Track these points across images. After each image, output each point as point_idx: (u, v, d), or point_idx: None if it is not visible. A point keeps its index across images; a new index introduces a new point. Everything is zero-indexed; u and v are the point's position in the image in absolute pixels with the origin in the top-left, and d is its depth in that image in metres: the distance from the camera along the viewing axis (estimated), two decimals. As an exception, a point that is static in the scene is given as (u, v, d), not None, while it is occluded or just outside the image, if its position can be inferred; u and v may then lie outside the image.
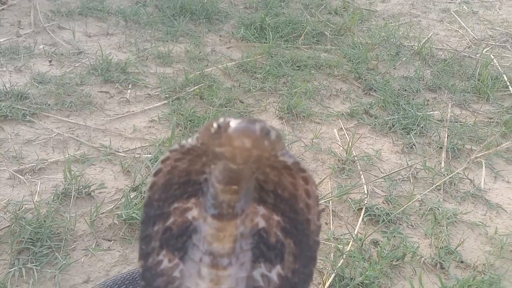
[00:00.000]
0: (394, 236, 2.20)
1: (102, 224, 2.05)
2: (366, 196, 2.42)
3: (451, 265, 2.10)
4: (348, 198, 2.40)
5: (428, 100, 3.41)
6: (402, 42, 4.21)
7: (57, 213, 2.04)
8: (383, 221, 2.27)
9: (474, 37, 4.56)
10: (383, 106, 3.25)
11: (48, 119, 2.68)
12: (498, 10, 5.32)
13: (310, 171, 0.75)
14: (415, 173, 2.66)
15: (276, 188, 0.79)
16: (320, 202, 2.10)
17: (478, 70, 3.78)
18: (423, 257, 2.12)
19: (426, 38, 4.29)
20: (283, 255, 0.80)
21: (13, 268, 1.77)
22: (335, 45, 4.03)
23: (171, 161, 0.80)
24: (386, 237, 2.19)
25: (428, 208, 2.40)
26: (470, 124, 3.14)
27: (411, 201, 2.38)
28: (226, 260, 0.78)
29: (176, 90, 3.08)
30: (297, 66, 3.58)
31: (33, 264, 1.80)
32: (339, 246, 2.09)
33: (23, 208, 2.03)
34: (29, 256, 1.84)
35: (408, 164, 2.70)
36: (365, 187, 2.48)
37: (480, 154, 2.55)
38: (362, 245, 2.11)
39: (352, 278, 1.93)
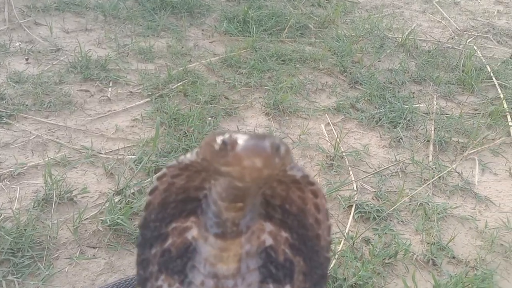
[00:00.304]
0: (385, 233, 2.18)
1: (86, 230, 1.97)
2: (355, 193, 2.39)
3: (443, 261, 2.09)
4: (338, 195, 2.36)
5: (413, 93, 3.39)
6: (386, 34, 4.18)
7: (38, 221, 1.95)
8: (374, 218, 2.24)
9: (456, 28, 4.57)
10: (369, 100, 3.22)
11: (26, 120, 2.56)
12: (478, 1, 5.34)
13: (319, 184, 0.70)
14: (404, 168, 2.64)
15: (284, 203, 0.74)
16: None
17: (462, 61, 3.79)
18: (415, 254, 2.10)
19: (410, 30, 4.28)
20: (292, 274, 0.75)
21: (-7, 281, 1.69)
22: (319, 38, 3.98)
23: (167, 178, 0.73)
24: (377, 235, 2.17)
25: (418, 203, 2.38)
26: (456, 116, 3.13)
27: (402, 199, 2.35)
28: (231, 282, 0.72)
29: (159, 87, 2.99)
30: (282, 60, 3.52)
31: (14, 276, 1.71)
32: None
33: (2, 216, 1.93)
34: (9, 267, 1.74)
35: (396, 159, 2.68)
36: (354, 184, 2.45)
37: (473, 151, 2.54)
38: (353, 243, 2.08)
39: (345, 279, 1.89)
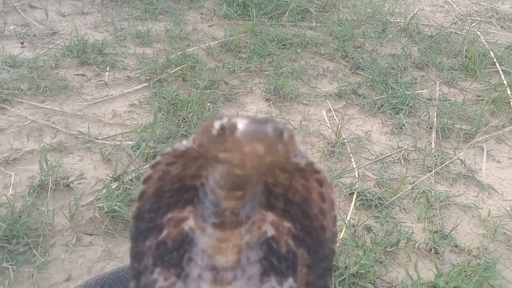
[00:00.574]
0: (387, 221, 2.15)
1: (82, 217, 1.93)
2: (357, 180, 2.35)
3: (446, 250, 2.06)
4: (339, 183, 2.32)
5: (416, 79, 3.34)
6: (388, 18, 4.11)
7: (33, 207, 1.91)
8: (376, 206, 2.20)
9: (459, 13, 4.49)
10: (371, 86, 3.17)
11: (22, 105, 2.51)
12: (482, -15, 5.25)
13: (325, 172, 0.65)
14: (406, 155, 2.60)
15: (287, 191, 0.69)
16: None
17: (465, 46, 3.72)
18: (417, 242, 2.07)
19: (412, 14, 4.20)
20: (295, 267, 0.71)
21: (-13, 269, 1.65)
22: (320, 22, 3.91)
23: (162, 166, 0.68)
24: (379, 222, 2.13)
25: (421, 191, 2.35)
26: (459, 102, 3.08)
27: (405, 188, 2.32)
28: (231, 274, 0.68)
29: (157, 71, 2.93)
30: (283, 45, 3.46)
31: (9, 263, 1.68)
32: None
33: (-4, 203, 1.89)
34: (4, 254, 1.71)
35: (398, 146, 2.64)
36: (356, 171, 2.41)
37: (481, 138, 2.49)
38: (355, 231, 2.05)
39: (346, 267, 1.86)
